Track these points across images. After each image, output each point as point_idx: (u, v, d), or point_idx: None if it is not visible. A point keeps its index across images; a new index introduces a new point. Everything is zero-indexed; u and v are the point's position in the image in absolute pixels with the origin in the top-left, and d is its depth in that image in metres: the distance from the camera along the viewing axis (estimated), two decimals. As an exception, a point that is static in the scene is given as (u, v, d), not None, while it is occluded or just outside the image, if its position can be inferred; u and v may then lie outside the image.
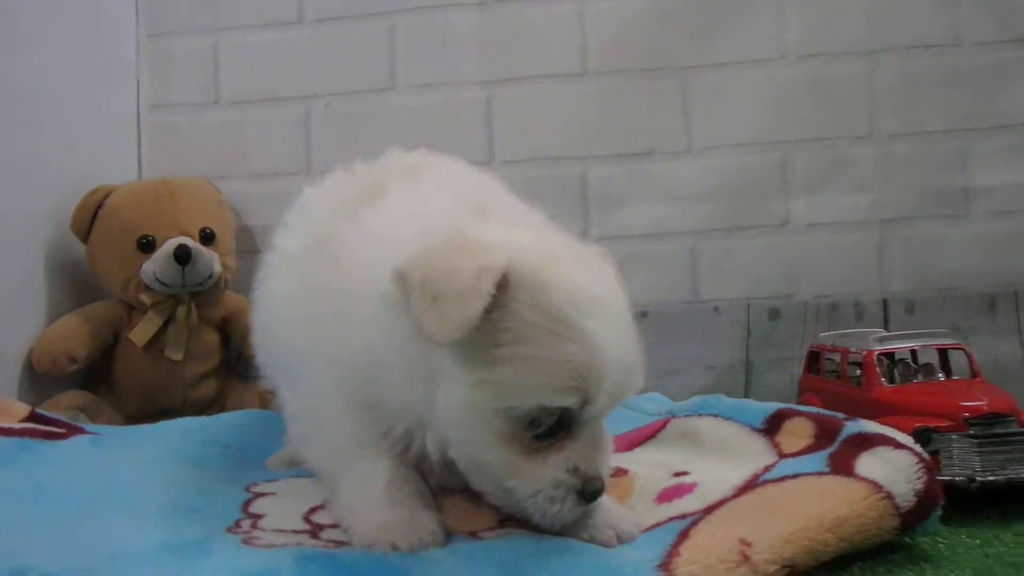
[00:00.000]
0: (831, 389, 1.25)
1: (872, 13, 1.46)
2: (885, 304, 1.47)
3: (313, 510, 0.85)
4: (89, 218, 1.41)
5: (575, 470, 0.70)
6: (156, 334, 1.40)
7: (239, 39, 1.65)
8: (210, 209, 1.49)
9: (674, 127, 1.52)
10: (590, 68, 1.54)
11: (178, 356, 1.41)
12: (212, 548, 0.73)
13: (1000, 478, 0.94)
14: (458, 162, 0.97)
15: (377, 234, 0.79)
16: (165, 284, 1.37)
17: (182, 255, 1.36)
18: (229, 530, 0.81)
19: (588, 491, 0.71)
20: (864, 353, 1.16)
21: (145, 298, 1.39)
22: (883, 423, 0.98)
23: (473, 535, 0.77)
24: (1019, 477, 0.93)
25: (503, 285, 0.67)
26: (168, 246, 1.37)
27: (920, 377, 1.17)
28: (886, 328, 1.45)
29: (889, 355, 1.17)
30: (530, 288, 0.67)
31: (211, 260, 1.40)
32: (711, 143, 1.52)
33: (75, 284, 1.47)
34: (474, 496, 0.87)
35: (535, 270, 0.68)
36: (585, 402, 0.68)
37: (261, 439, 1.19)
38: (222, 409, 1.48)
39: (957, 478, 0.93)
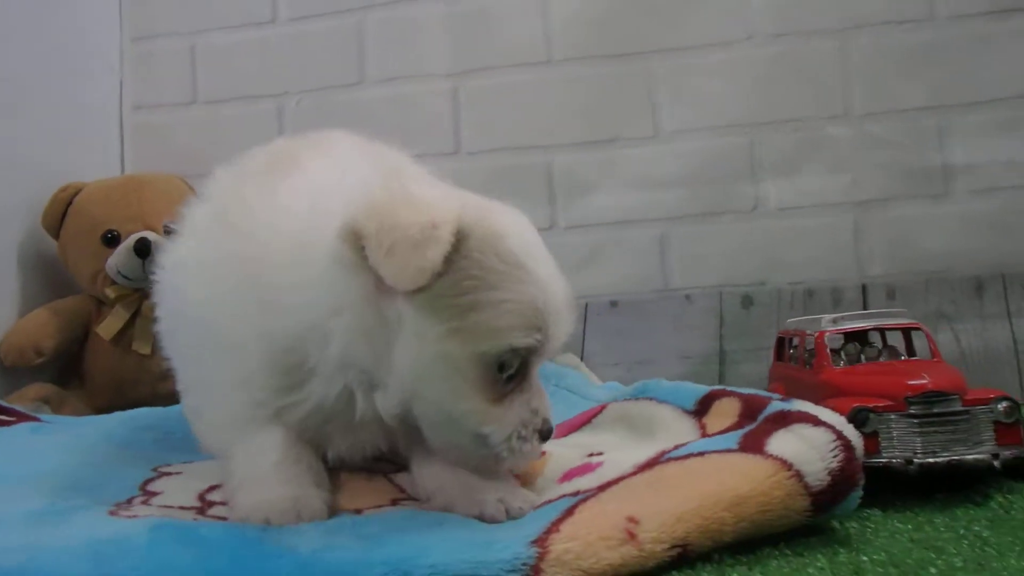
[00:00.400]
0: (792, 375, 1.20)
1: (841, -13, 1.42)
2: (864, 289, 1.41)
3: (211, 489, 0.84)
4: (60, 214, 1.44)
5: (535, 411, 0.74)
6: (124, 328, 1.42)
7: (216, 40, 1.68)
8: (178, 204, 1.50)
9: (640, 112, 1.49)
10: (555, 56, 1.53)
11: (145, 350, 1.42)
12: (75, 518, 0.73)
13: (941, 460, 0.85)
14: (352, 136, 0.95)
15: (298, 202, 0.78)
16: (128, 278, 1.40)
17: (142, 248, 1.37)
18: (116, 504, 0.81)
19: (545, 430, 0.75)
20: (816, 334, 1.11)
21: (111, 292, 1.41)
22: (827, 405, 0.93)
23: (357, 512, 0.75)
24: (961, 459, 0.86)
25: (461, 236, 0.68)
26: (129, 240, 1.39)
27: (883, 359, 1.11)
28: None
29: (861, 338, 1.11)
30: (487, 238, 0.70)
31: (173, 253, 1.42)
32: (679, 127, 1.48)
33: (49, 279, 1.51)
34: (372, 475, 0.87)
35: (487, 221, 0.71)
36: (545, 340, 0.71)
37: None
38: (193, 402, 1.50)
39: (895, 460, 0.86)
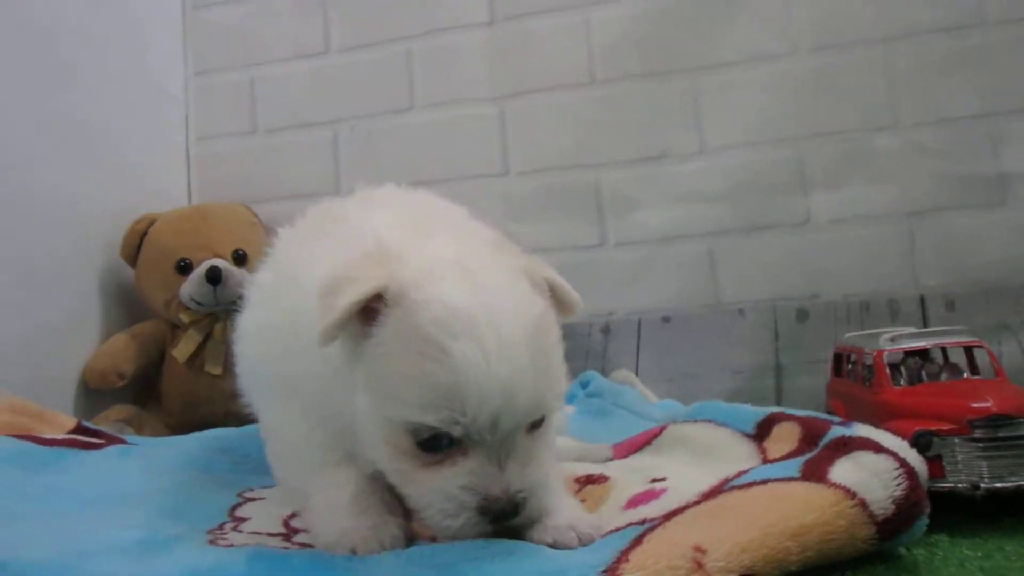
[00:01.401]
0: (850, 392, 1.20)
1: (883, -1, 1.41)
2: (922, 301, 1.40)
3: (292, 516, 0.89)
4: (136, 244, 1.53)
5: (469, 488, 0.70)
6: (196, 350, 1.51)
7: (273, 72, 1.76)
8: (243, 231, 1.59)
9: (685, 128, 1.51)
10: (598, 76, 1.56)
11: (217, 370, 1.50)
12: (177, 547, 0.77)
13: (1009, 485, 0.85)
14: (419, 191, 0.99)
15: (325, 256, 0.82)
16: (200, 303, 1.47)
17: (213, 276, 1.45)
18: (210, 531, 0.85)
19: (494, 509, 0.70)
20: (875, 353, 1.11)
21: (184, 317, 1.49)
22: (888, 427, 0.92)
23: (433, 540, 0.78)
24: (1030, 484, 0.84)
25: (389, 301, 0.71)
26: (201, 268, 1.47)
27: (944, 377, 1.10)
28: (925, 327, 1.38)
29: (922, 354, 1.11)
30: (404, 307, 0.70)
31: (241, 279, 1.49)
32: (724, 142, 1.49)
33: (127, 306, 1.60)
34: None
35: (410, 289, 0.71)
36: (455, 422, 0.68)
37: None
38: (262, 420, 1.58)
39: (960, 485, 0.86)
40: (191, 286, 1.47)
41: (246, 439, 1.29)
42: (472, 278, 0.72)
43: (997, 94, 1.37)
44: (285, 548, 0.80)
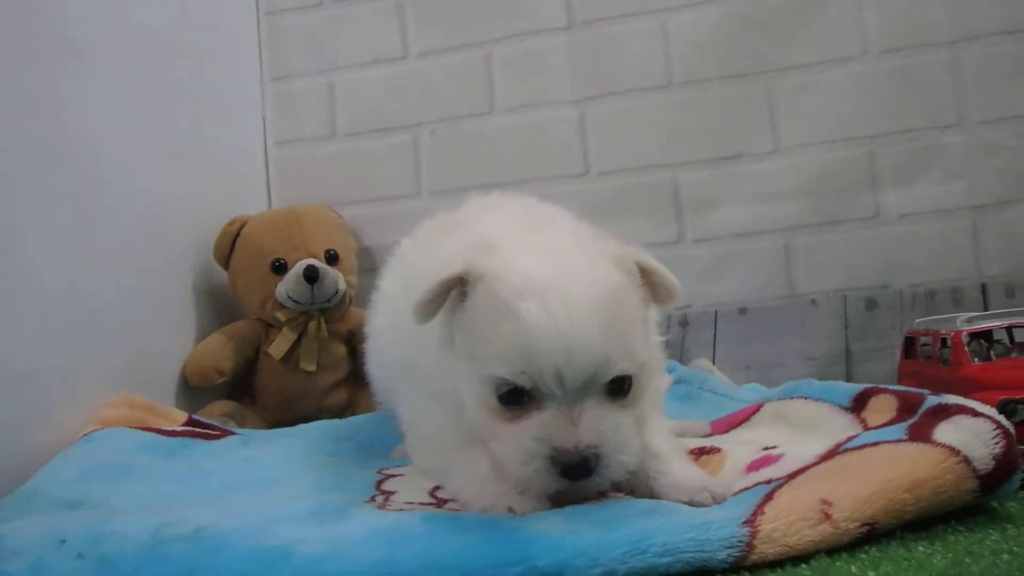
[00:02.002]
0: (925, 372, 1.28)
1: (952, 2, 1.49)
2: (984, 289, 1.48)
3: (437, 488, 0.95)
4: (229, 246, 1.58)
5: (542, 439, 0.77)
6: (291, 348, 1.56)
7: (351, 76, 1.81)
8: (333, 232, 1.65)
9: (760, 128, 1.58)
10: (675, 79, 1.63)
11: (311, 367, 1.56)
12: (351, 513, 0.83)
13: None
14: (529, 198, 1.09)
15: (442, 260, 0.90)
16: (297, 302, 1.53)
17: (311, 275, 1.51)
18: (365, 502, 0.92)
19: (563, 461, 0.77)
20: (953, 334, 1.19)
21: (280, 315, 1.54)
22: (973, 399, 1.01)
23: (576, 503, 0.83)
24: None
25: (470, 280, 0.83)
26: (298, 267, 1.52)
27: (1015, 355, 1.19)
28: (985, 310, 1.47)
29: (985, 336, 1.19)
30: (485, 281, 0.82)
31: (336, 278, 1.55)
32: (798, 142, 1.57)
33: (218, 307, 1.65)
34: None
35: (492, 267, 0.82)
36: (523, 372, 0.77)
37: (386, 435, 1.31)
38: (354, 414, 1.63)
39: None
40: (288, 285, 1.52)
41: (357, 428, 1.37)
42: (552, 256, 0.82)
43: (1059, 93, 1.45)
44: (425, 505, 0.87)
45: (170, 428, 1.27)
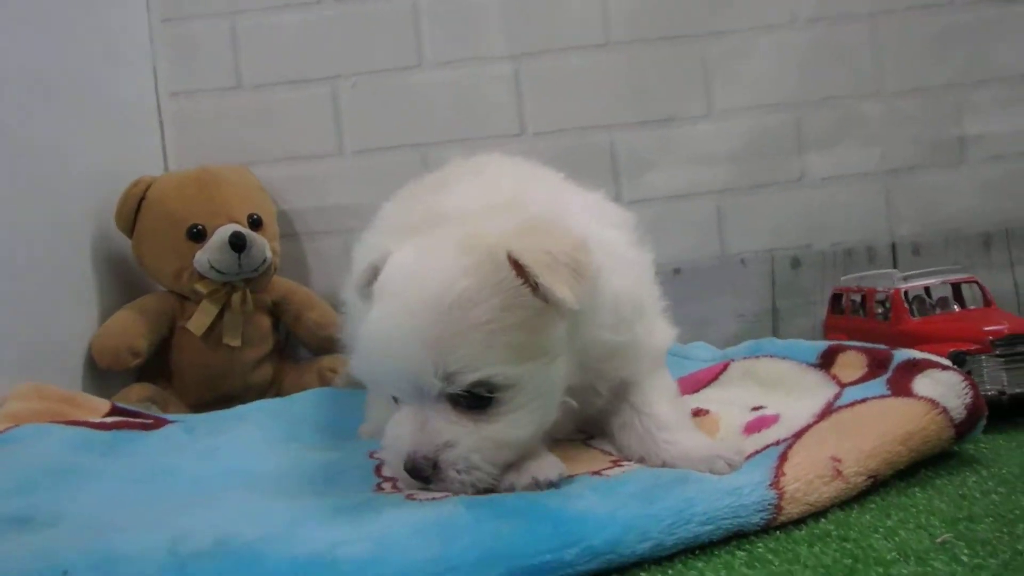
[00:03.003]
0: (857, 326, 1.37)
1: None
2: (894, 248, 1.60)
3: None
4: (133, 211, 1.40)
5: (392, 437, 0.80)
6: (212, 322, 1.41)
7: (257, 21, 1.64)
8: (254, 195, 1.50)
9: (695, 92, 1.60)
10: (613, 38, 1.60)
11: (236, 342, 1.42)
12: (379, 507, 0.77)
13: None
14: (520, 161, 1.10)
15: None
16: (221, 272, 1.38)
17: (238, 242, 1.37)
18: (375, 491, 0.85)
19: (406, 463, 0.78)
20: (891, 291, 1.28)
21: (201, 287, 1.39)
22: (919, 351, 1.10)
23: (596, 473, 0.84)
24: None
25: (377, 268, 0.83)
26: (221, 234, 1.38)
27: (938, 310, 1.30)
28: (895, 268, 1.59)
29: (907, 292, 1.29)
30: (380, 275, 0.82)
31: (263, 246, 1.42)
32: (730, 106, 1.60)
33: (122, 279, 1.47)
34: (572, 443, 0.96)
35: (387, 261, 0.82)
36: (370, 377, 0.81)
37: (340, 414, 1.24)
38: (279, 391, 1.51)
39: (989, 393, 1.05)
40: (210, 254, 1.38)
41: (305, 407, 1.27)
42: (420, 256, 0.81)
43: (963, 67, 1.57)
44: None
45: (97, 420, 1.12)
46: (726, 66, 1.59)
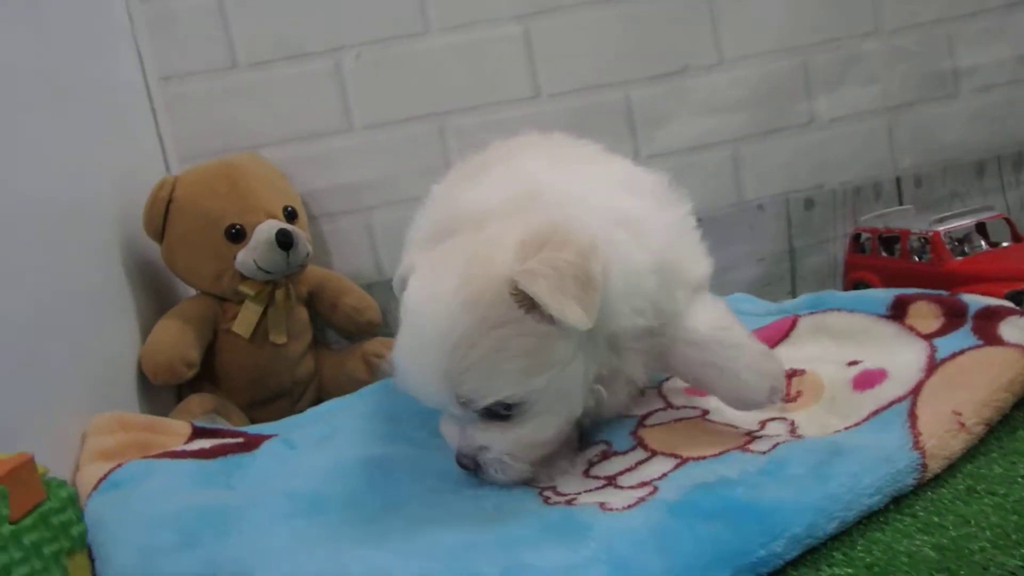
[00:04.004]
0: (886, 265, 1.44)
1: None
2: (898, 181, 1.68)
3: (592, 465, 0.92)
4: (162, 215, 1.33)
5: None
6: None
7: (246, -7, 1.53)
8: (281, 185, 1.44)
9: (704, 41, 1.61)
10: (621, -9, 1.58)
11: (282, 339, 1.39)
12: (576, 523, 0.78)
13: None
14: (565, 143, 1.11)
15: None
16: (268, 271, 1.34)
17: (285, 240, 1.32)
18: (544, 504, 0.85)
19: (458, 458, 0.90)
20: (931, 233, 1.35)
21: (246, 288, 1.34)
22: (968, 291, 1.18)
23: (744, 450, 0.88)
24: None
25: None
26: (264, 232, 1.32)
27: (966, 249, 1.38)
28: (899, 201, 1.68)
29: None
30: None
31: (304, 239, 1.37)
32: (738, 54, 1.62)
33: (152, 285, 1.39)
34: (699, 422, 1.00)
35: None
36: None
37: (413, 405, 1.23)
38: (321, 381, 1.50)
39: None
40: (255, 253, 1.32)
41: (380, 404, 1.24)
42: (435, 275, 0.84)
43: (953, 0, 1.63)
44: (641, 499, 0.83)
45: (195, 447, 1.08)
46: (733, 13, 1.60)
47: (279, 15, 1.54)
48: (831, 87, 1.64)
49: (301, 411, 1.40)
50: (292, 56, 1.55)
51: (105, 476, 0.98)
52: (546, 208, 0.87)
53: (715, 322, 0.95)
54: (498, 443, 0.86)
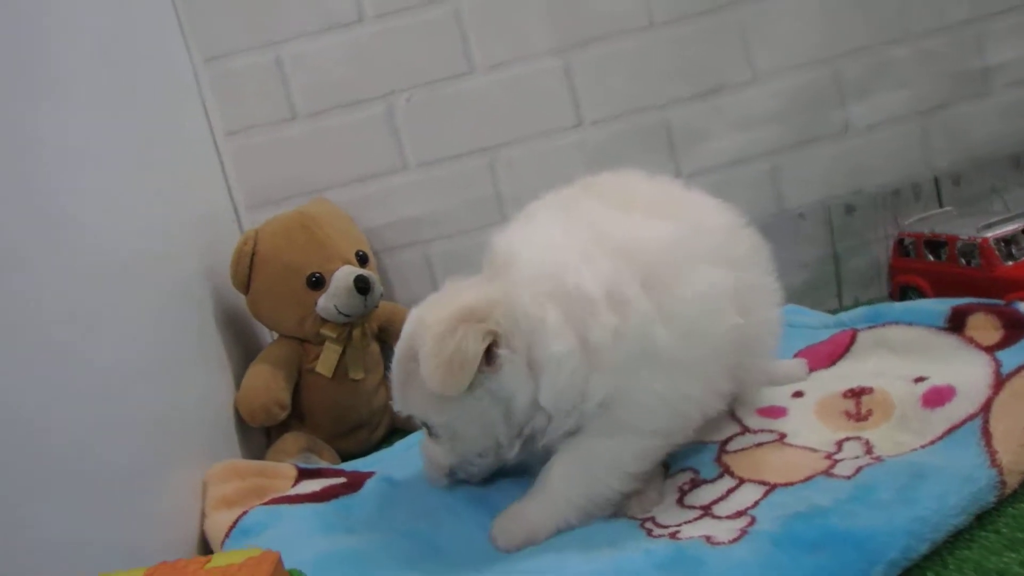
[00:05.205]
0: (933, 269, 1.48)
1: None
2: (936, 181, 1.73)
3: (686, 490, 0.98)
4: (247, 268, 1.42)
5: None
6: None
7: (301, 48, 1.61)
8: (351, 230, 1.53)
9: (738, 59, 1.67)
10: (656, 19, 1.64)
11: (360, 375, 1.48)
12: (688, 559, 0.80)
13: None
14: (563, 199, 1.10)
15: None
16: (347, 315, 1.42)
17: (364, 286, 1.40)
18: (648, 538, 0.89)
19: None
20: (980, 240, 1.40)
21: (328, 331, 1.43)
22: (1018, 298, 1.22)
23: (828, 475, 0.92)
24: None
25: None
26: (343, 279, 1.41)
27: (1014, 251, 1.41)
28: (939, 201, 1.73)
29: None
30: None
31: (377, 282, 1.46)
32: (771, 68, 1.68)
33: (236, 332, 1.49)
34: (777, 446, 1.05)
35: None
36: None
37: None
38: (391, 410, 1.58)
39: None
40: (336, 299, 1.41)
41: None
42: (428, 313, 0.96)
43: (981, 0, 1.67)
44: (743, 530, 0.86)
45: (307, 490, 1.17)
46: (765, 30, 1.66)
47: (332, 67, 1.62)
48: (863, 94, 1.70)
49: (379, 439, 1.52)
50: (346, 104, 1.64)
51: (234, 524, 1.07)
52: (508, 277, 0.95)
53: None
54: (444, 456, 1.03)
